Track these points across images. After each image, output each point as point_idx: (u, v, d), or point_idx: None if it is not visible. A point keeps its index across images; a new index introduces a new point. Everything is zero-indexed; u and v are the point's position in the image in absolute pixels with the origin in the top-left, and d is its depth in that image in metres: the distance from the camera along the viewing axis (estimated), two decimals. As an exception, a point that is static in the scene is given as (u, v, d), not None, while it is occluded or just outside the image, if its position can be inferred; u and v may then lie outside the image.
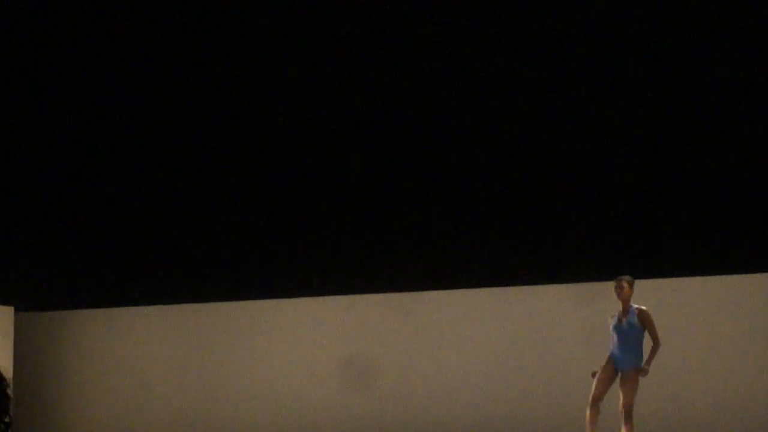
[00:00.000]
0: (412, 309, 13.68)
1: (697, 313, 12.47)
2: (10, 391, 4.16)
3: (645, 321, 9.87)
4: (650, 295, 12.47)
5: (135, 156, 15.64)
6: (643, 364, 9.76)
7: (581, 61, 13.54)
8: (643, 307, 9.95)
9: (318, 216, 14.72)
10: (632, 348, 9.83)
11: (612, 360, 9.90)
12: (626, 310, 9.96)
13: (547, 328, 12.87)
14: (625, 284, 9.98)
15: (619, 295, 9.99)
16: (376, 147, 14.56)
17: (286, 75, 14.92)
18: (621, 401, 9.74)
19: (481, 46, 14.01)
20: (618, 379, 9.85)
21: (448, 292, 13.57)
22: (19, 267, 15.17)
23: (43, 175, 15.72)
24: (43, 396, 15.22)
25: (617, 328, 9.96)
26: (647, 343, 9.89)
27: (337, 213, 14.58)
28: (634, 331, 9.86)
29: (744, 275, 12.40)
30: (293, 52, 14.87)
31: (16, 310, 14.99)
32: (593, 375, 10.02)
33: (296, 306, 14.29)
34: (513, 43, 13.90)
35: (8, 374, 4.25)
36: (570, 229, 13.23)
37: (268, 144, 15.04)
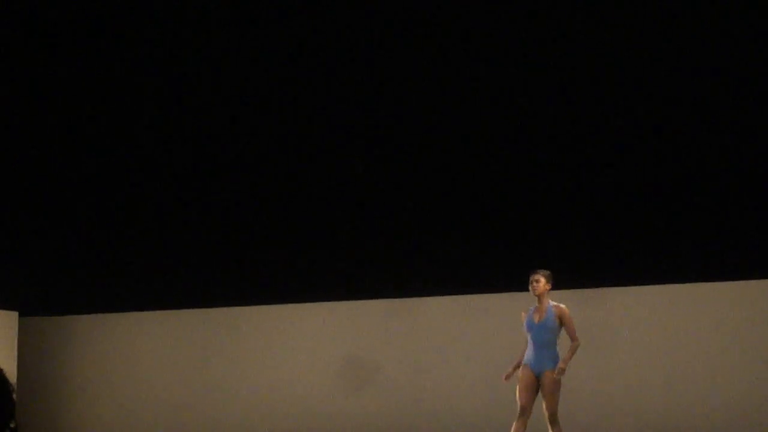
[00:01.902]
0: (413, 314, 13.73)
1: (699, 318, 12.50)
2: (15, 396, 4.21)
3: (563, 318, 9.22)
4: (655, 300, 12.51)
5: (139, 160, 15.68)
6: (560, 362, 9.15)
7: (572, 72, 13.59)
8: (562, 305, 9.33)
9: (321, 222, 14.76)
10: (547, 348, 9.22)
11: (528, 366, 9.29)
12: (543, 306, 9.34)
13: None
14: (542, 278, 9.35)
15: (534, 290, 9.34)
16: (378, 154, 14.60)
17: (291, 78, 14.97)
18: (544, 407, 9.17)
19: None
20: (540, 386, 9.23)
21: (449, 297, 13.61)
22: (23, 271, 15.20)
23: (47, 180, 15.77)
24: (47, 401, 15.27)
25: (531, 326, 9.34)
26: (563, 344, 9.35)
27: (340, 219, 14.62)
28: (550, 330, 9.26)
29: (748, 281, 12.42)
30: (296, 56, 14.92)
31: (20, 315, 15.05)
32: (506, 378, 9.46)
33: (298, 311, 14.34)
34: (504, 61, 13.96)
35: (12, 379, 4.29)
36: (569, 235, 13.26)
37: (272, 150, 15.08)
